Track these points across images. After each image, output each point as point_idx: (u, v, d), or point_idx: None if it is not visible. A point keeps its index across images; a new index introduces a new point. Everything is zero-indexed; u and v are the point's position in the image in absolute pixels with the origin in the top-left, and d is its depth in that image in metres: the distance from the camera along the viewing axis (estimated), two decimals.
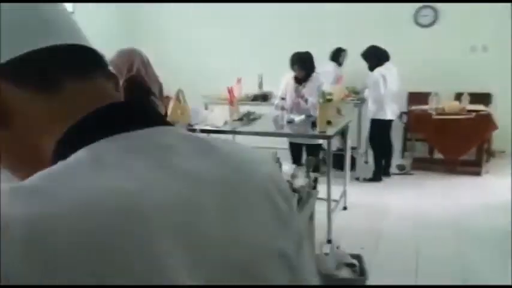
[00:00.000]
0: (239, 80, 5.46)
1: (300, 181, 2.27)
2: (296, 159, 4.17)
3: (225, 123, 3.85)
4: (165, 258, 0.38)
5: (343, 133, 3.95)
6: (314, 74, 4.09)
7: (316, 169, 4.16)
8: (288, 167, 2.43)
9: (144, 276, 0.36)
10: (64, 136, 0.46)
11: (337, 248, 2.50)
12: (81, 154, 0.43)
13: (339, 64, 5.48)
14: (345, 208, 4.19)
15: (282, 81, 4.25)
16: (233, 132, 3.78)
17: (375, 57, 4.71)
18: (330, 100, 4.97)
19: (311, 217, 2.45)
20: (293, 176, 2.32)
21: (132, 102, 0.51)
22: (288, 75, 4.20)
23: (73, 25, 0.54)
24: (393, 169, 5.25)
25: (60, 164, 0.42)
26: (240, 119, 4.02)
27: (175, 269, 0.39)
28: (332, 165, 4.36)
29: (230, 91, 4.12)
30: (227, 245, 0.45)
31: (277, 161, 2.50)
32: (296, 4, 6.04)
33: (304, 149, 4.25)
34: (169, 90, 3.93)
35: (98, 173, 0.41)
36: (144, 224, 0.38)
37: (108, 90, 0.53)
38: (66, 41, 0.50)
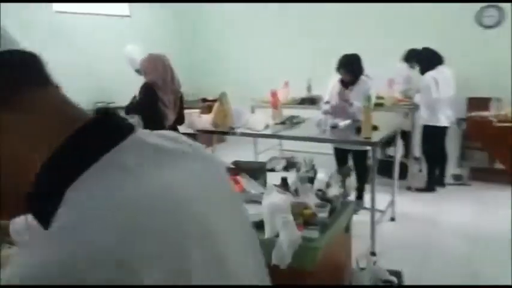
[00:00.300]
0: (286, 83, 5.38)
1: (334, 190, 2.14)
2: (341, 166, 4.02)
3: (267, 126, 3.77)
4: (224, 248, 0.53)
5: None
6: (362, 77, 3.91)
7: (362, 177, 3.99)
8: (323, 174, 2.30)
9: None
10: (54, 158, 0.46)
11: (374, 263, 2.34)
12: (100, 173, 0.46)
13: (411, 66, 5.21)
14: (392, 219, 3.97)
15: (329, 84, 4.11)
16: (273, 136, 3.69)
17: (426, 59, 4.43)
18: (380, 104, 4.78)
19: (347, 229, 2.30)
20: (327, 185, 2.20)
21: (109, 115, 0.53)
22: (334, 78, 4.05)
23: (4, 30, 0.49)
24: (449, 179, 4.92)
25: (103, 184, 0.45)
26: (283, 123, 3.92)
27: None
28: (381, 173, 4.18)
29: (273, 94, 4.04)
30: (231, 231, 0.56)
31: (312, 167, 2.39)
32: (352, 4, 5.86)
33: (350, 155, 4.08)
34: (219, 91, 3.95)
35: (137, 181, 0.46)
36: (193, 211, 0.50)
37: (63, 98, 0.52)
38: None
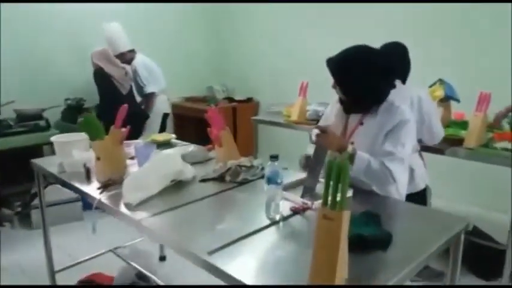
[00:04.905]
0: (303, 89, 3.30)
1: None
2: None
3: (172, 182, 1.82)
4: None
5: None
6: (394, 100, 1.75)
7: None
8: None
9: None
10: None
11: None
12: None
13: None
14: None
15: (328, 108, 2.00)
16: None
17: None
18: (459, 141, 2.54)
19: None
20: None
21: None
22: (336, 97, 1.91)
23: None
24: None
25: None
26: (221, 177, 1.94)
27: None
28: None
29: (211, 113, 2.05)
30: None
31: None
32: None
33: None
34: None
35: None
36: None
37: None
38: None
